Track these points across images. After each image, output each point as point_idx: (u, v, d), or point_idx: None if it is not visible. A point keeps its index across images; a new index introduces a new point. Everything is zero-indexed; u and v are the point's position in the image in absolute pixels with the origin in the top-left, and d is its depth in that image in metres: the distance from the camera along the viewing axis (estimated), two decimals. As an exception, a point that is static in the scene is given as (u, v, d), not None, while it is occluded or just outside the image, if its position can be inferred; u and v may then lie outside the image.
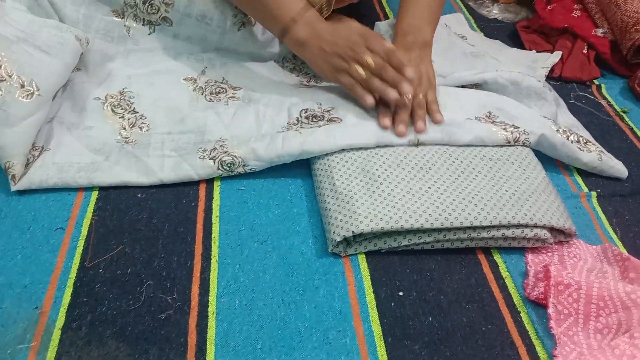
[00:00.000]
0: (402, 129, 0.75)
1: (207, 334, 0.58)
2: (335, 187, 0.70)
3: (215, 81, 0.87)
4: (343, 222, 0.66)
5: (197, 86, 0.86)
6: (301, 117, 0.79)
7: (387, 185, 0.70)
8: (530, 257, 0.68)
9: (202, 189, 0.73)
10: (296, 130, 0.76)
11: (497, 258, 0.68)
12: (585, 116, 0.93)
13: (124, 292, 0.61)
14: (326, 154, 0.74)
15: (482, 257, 0.68)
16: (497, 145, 0.78)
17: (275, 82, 0.90)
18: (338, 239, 0.65)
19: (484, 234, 0.67)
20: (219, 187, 0.73)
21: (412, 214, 0.66)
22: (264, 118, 0.80)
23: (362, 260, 0.67)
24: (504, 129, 0.79)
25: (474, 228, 0.67)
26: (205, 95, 0.85)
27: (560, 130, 0.81)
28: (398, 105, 0.76)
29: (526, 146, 0.79)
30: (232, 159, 0.73)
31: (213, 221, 0.69)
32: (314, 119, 0.78)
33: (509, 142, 0.78)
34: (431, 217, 0.66)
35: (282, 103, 0.82)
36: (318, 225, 0.70)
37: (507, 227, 0.67)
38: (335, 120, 0.77)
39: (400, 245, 0.67)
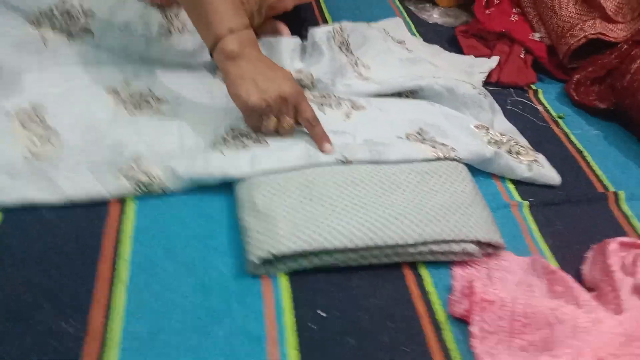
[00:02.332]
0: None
1: (109, 366, 0.54)
2: (256, 205, 0.67)
3: (141, 93, 0.83)
4: (262, 242, 0.62)
5: (119, 99, 0.82)
6: (227, 136, 0.75)
7: (311, 205, 0.67)
8: (457, 270, 0.66)
9: (115, 206, 0.68)
10: (220, 152, 0.73)
11: (423, 272, 0.66)
12: (522, 122, 0.92)
13: (17, 320, 0.56)
14: None
15: (407, 272, 0.66)
16: (426, 160, 0.76)
17: (205, 94, 0.86)
18: (256, 261, 0.62)
19: (411, 249, 0.65)
20: (132, 202, 0.69)
21: (337, 233, 0.63)
22: (187, 134, 0.76)
23: (283, 279, 0.63)
24: (433, 146, 0.77)
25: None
26: (128, 109, 0.80)
27: (492, 142, 0.80)
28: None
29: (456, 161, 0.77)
30: (150, 179, 0.69)
31: (124, 241, 0.65)
32: (241, 138, 0.75)
33: (439, 159, 0.76)
34: (355, 237, 0.63)
35: (209, 119, 0.79)
36: (239, 241, 0.66)
37: (434, 242, 0.65)
38: (262, 142, 0.74)
39: (326, 264, 0.64)
